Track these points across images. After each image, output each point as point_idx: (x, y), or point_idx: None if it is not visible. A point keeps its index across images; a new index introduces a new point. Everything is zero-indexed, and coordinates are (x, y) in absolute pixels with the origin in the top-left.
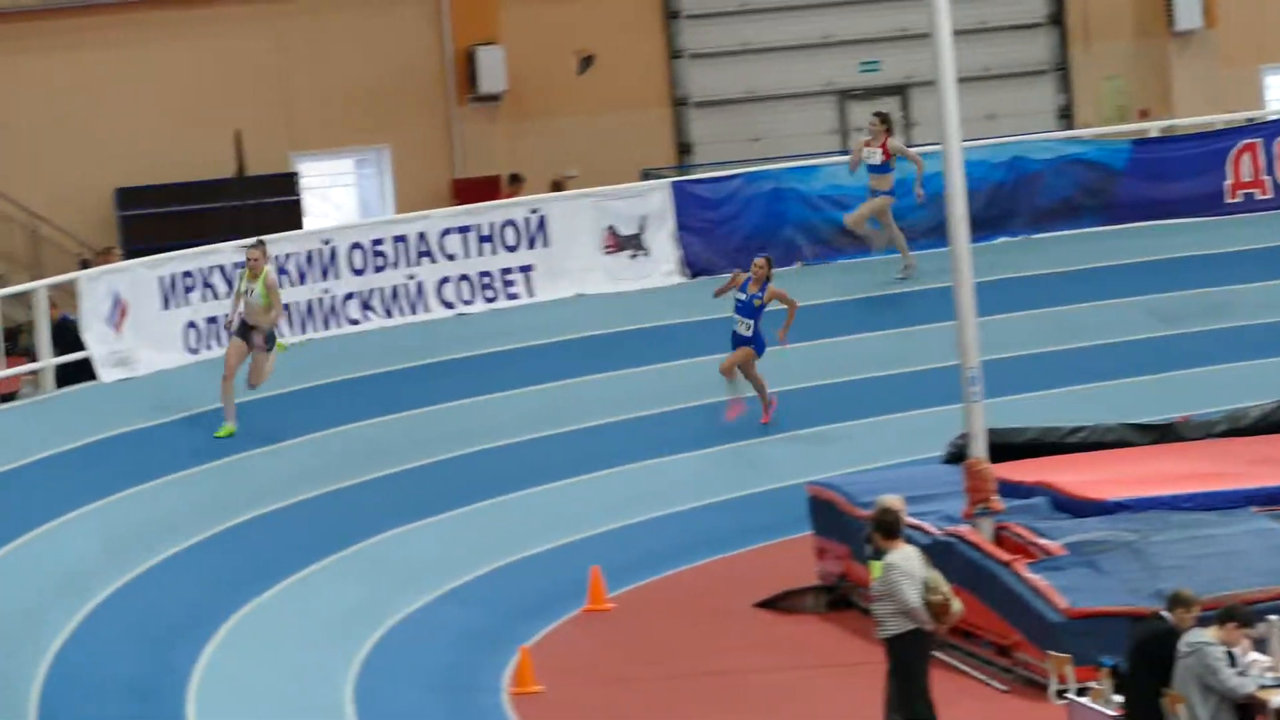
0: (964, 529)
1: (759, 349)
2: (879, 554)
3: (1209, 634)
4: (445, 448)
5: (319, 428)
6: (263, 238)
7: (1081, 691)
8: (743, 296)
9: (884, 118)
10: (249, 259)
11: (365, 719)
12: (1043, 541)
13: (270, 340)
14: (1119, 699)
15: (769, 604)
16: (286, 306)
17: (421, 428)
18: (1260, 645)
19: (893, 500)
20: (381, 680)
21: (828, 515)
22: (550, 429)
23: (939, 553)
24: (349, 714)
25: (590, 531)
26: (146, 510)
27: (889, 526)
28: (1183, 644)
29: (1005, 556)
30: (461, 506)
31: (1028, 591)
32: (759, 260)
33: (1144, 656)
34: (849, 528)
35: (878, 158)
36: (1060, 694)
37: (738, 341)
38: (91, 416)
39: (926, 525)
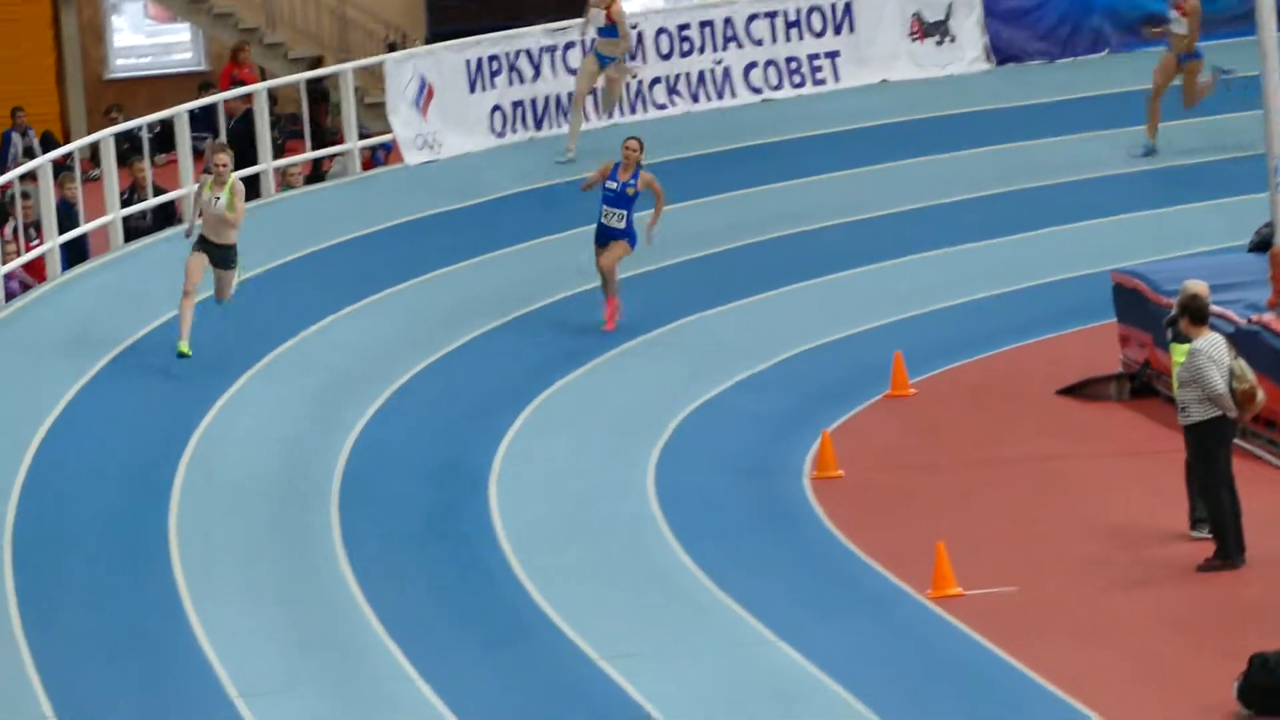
0: (1269, 317)
1: (632, 242)
2: (1183, 340)
3: None
4: (749, 233)
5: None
6: (224, 141)
7: None
8: (613, 185)
9: None
10: (216, 164)
11: (666, 502)
12: None
13: (233, 259)
14: None
15: (1071, 391)
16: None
17: (725, 213)
18: None
19: (1199, 286)
20: (682, 463)
21: (1132, 302)
22: (854, 215)
23: (1243, 341)
24: (650, 497)
25: (893, 317)
26: (450, 293)
27: (1196, 312)
28: None
29: None
30: (764, 292)
31: None
32: (630, 142)
33: None
34: (1153, 315)
35: None
36: None
37: (608, 235)
38: (396, 199)
39: (1231, 314)
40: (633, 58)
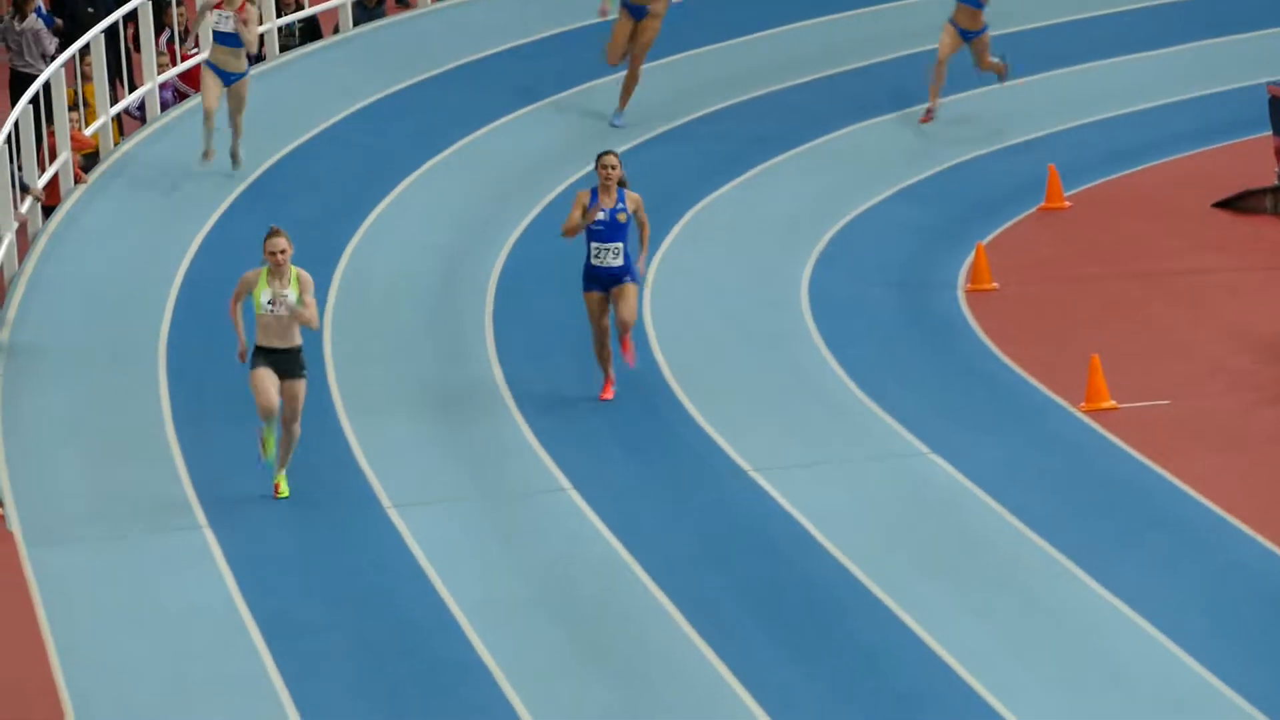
0: None
1: (637, 279)
2: None
3: None
4: (901, 45)
5: (771, 25)
6: None
7: None
8: (601, 216)
9: None
10: (273, 252)
11: (819, 312)
12: None
13: (303, 365)
14: None
15: (1226, 204)
16: None
17: (871, 25)
18: None
19: None
20: (836, 274)
21: None
22: (1006, 27)
23: None
24: (804, 307)
25: (1048, 130)
26: (605, 105)
27: None
28: None
29: None
30: (918, 104)
31: None
32: (607, 159)
33: None
34: None
35: None
36: None
37: (608, 278)
38: (551, 9)
39: None
40: None
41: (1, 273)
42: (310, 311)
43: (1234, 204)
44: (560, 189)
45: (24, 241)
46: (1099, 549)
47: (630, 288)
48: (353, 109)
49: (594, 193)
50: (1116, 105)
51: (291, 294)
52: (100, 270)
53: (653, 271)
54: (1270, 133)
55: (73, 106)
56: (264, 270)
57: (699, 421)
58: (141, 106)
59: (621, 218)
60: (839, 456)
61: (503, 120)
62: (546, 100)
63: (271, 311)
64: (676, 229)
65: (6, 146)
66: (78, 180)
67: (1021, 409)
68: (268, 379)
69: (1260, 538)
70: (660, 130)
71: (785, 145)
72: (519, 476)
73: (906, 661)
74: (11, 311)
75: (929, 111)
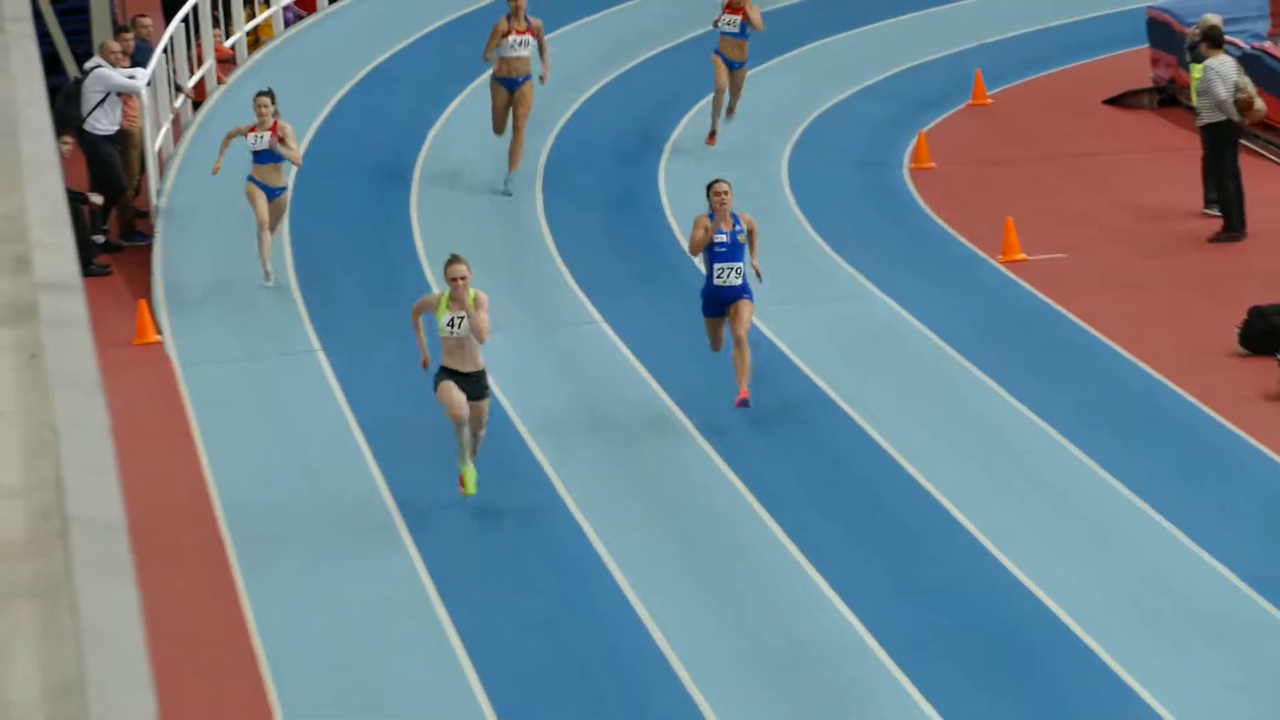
0: (1268, 45)
1: (751, 296)
2: (1200, 60)
3: None
4: None
5: None
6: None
7: None
8: (722, 238)
9: None
10: (454, 279)
11: (796, 185)
12: None
13: (488, 385)
14: None
15: (1114, 101)
16: None
17: None
18: None
19: (1216, 18)
20: (810, 156)
21: (1161, 32)
22: None
23: (1247, 63)
24: (783, 181)
25: (975, 43)
26: (628, 23)
27: (1213, 38)
28: None
29: None
30: (877, 21)
31: None
32: (719, 185)
33: None
34: (1178, 41)
35: None
36: None
37: (729, 297)
38: None
39: (1238, 40)
40: None
41: (161, 154)
42: (480, 320)
43: (1120, 101)
44: (594, 89)
45: (178, 129)
46: (1009, 366)
47: (746, 303)
48: (440, 23)
49: (711, 216)
50: (1029, 24)
51: (465, 315)
52: (236, 151)
53: (666, 153)
54: (1148, 46)
55: (215, 24)
56: (444, 295)
57: (700, 266)
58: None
59: (741, 238)
60: (810, 297)
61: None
62: (585, 19)
63: (452, 333)
64: (685, 119)
65: (164, 55)
66: (219, 82)
67: (952, 261)
68: (455, 390)
69: (1134, 358)
70: (665, 47)
71: (771, 54)
72: (557, 309)
73: (861, 454)
74: (169, 183)
75: (712, 135)
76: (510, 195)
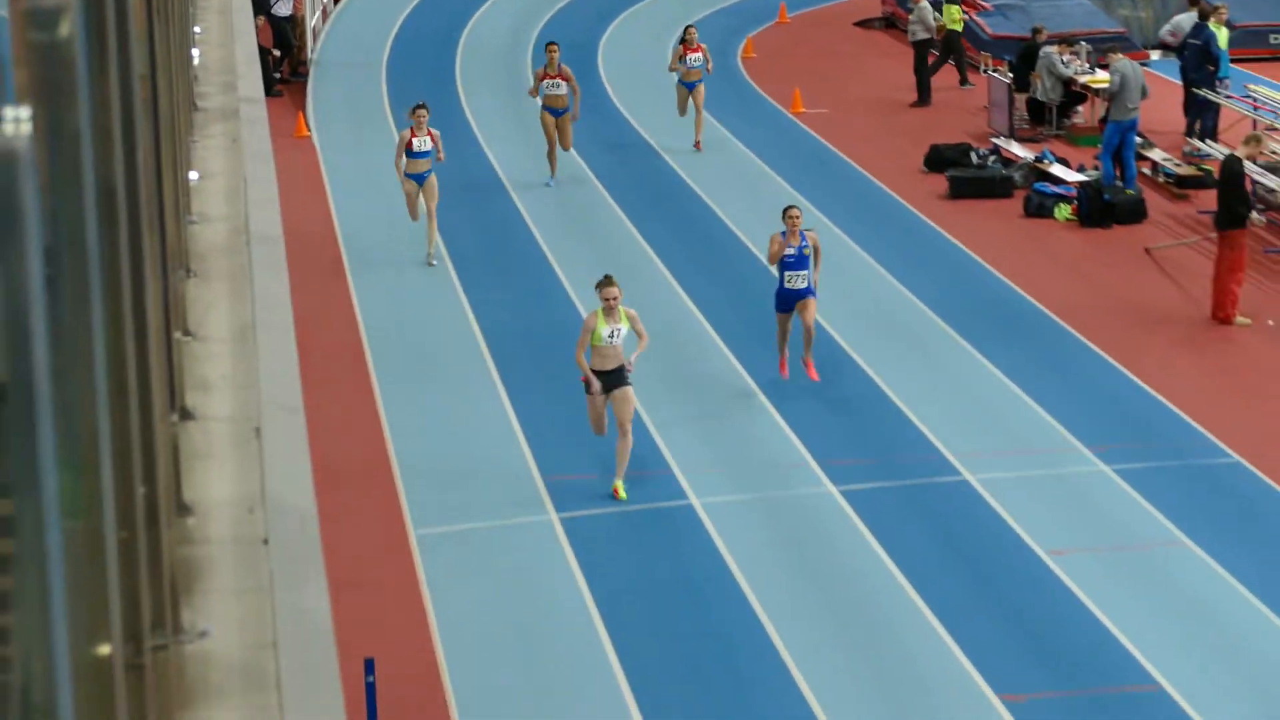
0: None
1: (815, 295)
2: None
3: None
4: None
5: None
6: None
7: None
8: (791, 251)
9: None
10: (607, 298)
11: (611, 76)
12: None
13: (628, 376)
14: None
15: (860, 24)
16: None
17: None
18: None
19: None
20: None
21: None
22: None
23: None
24: (602, 72)
25: None
26: None
27: None
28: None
29: None
30: None
31: None
32: (793, 210)
33: None
34: None
35: None
36: None
37: (797, 296)
38: None
39: None
40: None
41: (315, 28)
42: (645, 338)
43: (863, 24)
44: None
45: (325, 14)
46: (803, 183)
47: (811, 300)
48: None
49: (784, 234)
50: None
51: (624, 327)
52: (354, 20)
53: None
54: None
55: None
56: (599, 311)
57: (614, 102)
58: None
59: (806, 251)
60: (669, 131)
61: None
62: None
63: (610, 342)
64: (614, 25)
65: None
66: None
67: (765, 114)
68: (600, 406)
69: (889, 190)
70: None
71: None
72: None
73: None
74: (318, 46)
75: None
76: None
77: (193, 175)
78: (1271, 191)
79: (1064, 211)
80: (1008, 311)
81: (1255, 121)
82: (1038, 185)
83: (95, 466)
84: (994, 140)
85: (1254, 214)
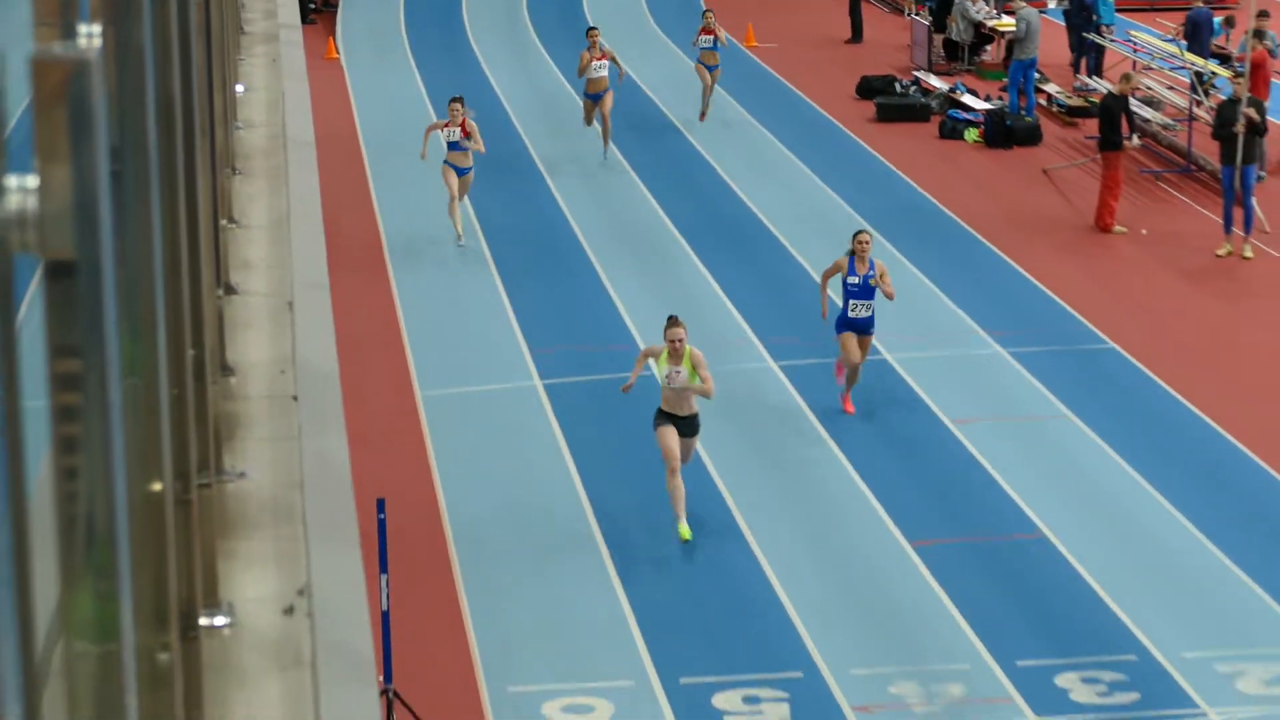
0: None
1: (874, 331)
2: None
3: None
4: None
5: None
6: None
7: None
8: (855, 280)
9: None
10: (672, 340)
11: (660, 17)
12: None
13: (698, 424)
14: None
15: None
16: None
17: None
18: None
19: None
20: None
21: None
22: None
23: None
24: (646, 13)
25: None
26: None
27: None
28: None
29: None
30: None
31: None
32: (862, 235)
33: None
34: None
35: None
36: None
37: (861, 326)
38: None
39: None
40: None
41: None
42: (707, 385)
43: None
44: None
45: None
46: (754, 107)
47: (869, 340)
48: None
49: (851, 261)
50: None
51: (684, 371)
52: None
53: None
54: None
55: None
56: (665, 349)
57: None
58: None
59: (873, 282)
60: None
61: None
62: None
63: (670, 385)
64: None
65: None
66: None
67: (722, 48)
68: (672, 435)
69: (826, 113)
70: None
71: None
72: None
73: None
74: None
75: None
76: (605, 160)
77: (239, 88)
78: (1147, 121)
79: (972, 134)
80: (923, 218)
81: (1135, 62)
82: (951, 112)
83: (152, 332)
84: (915, 73)
85: (1131, 140)
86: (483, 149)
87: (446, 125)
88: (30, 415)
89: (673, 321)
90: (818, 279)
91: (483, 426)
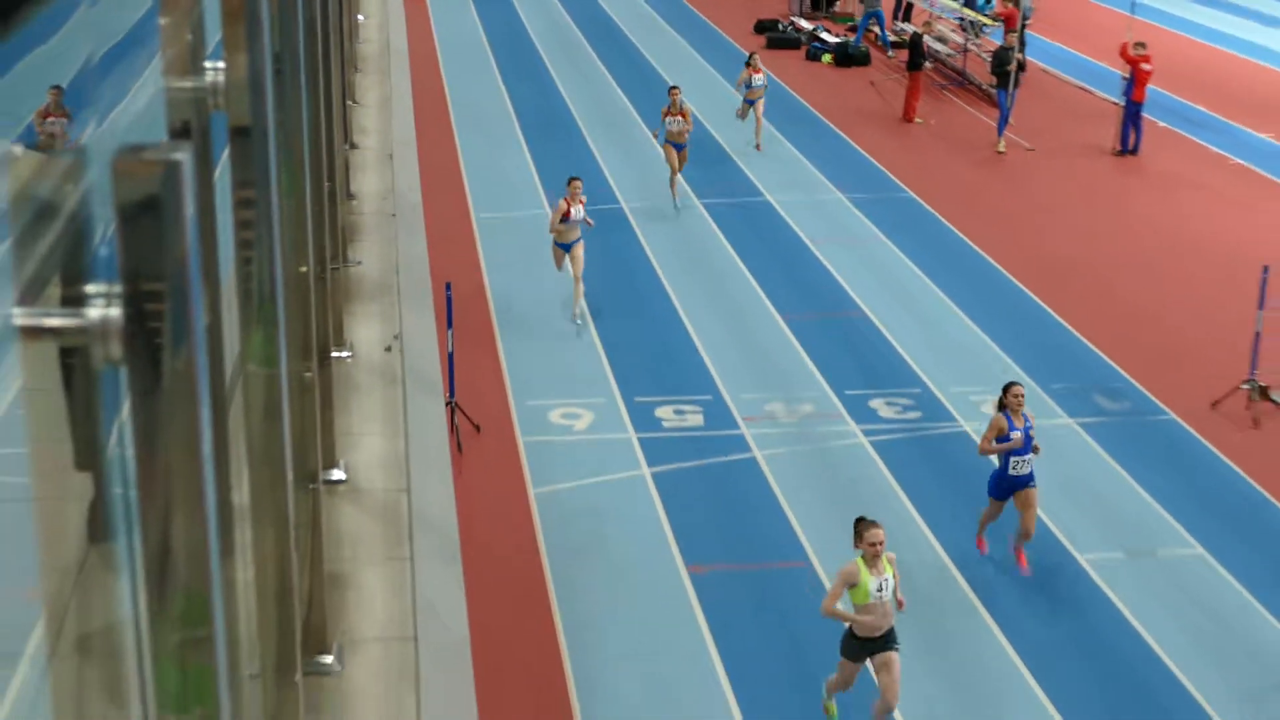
0: None
1: (1035, 484)
2: None
3: None
4: None
5: None
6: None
7: None
8: (1018, 434)
9: None
10: (870, 543)
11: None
12: None
13: (897, 637)
14: None
15: None
16: None
17: None
18: None
19: None
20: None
21: None
22: None
23: None
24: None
25: None
26: None
27: None
28: None
29: None
30: None
31: None
32: (1016, 387)
33: None
34: None
35: None
36: None
37: (1020, 484)
38: None
39: None
40: None
41: None
42: (897, 579)
43: None
44: None
45: None
46: (686, 34)
47: (1034, 493)
48: None
49: (1007, 416)
50: None
51: (891, 577)
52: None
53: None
54: None
55: None
56: (859, 561)
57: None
58: None
59: (1032, 432)
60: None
61: None
62: None
63: (879, 597)
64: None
65: None
66: None
67: (700, 29)
68: (856, 671)
69: (734, 42)
70: None
71: None
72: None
73: None
74: None
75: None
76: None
77: (360, 17)
78: (936, 52)
79: (827, 59)
80: (792, 110)
81: (930, 14)
82: (814, 44)
83: (301, 170)
84: (792, 17)
85: (926, 63)
86: (591, 222)
87: (570, 205)
88: (222, 226)
89: (872, 524)
90: (733, 158)
91: (520, 233)
